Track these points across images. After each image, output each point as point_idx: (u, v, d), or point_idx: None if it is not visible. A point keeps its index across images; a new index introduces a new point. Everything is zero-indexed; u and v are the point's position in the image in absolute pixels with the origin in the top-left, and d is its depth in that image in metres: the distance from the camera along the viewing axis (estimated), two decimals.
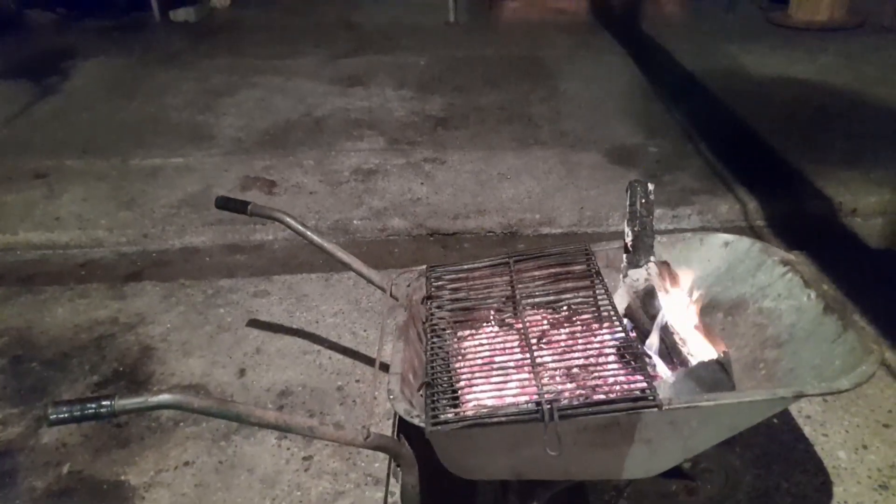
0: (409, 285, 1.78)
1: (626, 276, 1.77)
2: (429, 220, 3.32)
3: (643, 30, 6.06)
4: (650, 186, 1.86)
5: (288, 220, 1.88)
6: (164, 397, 1.24)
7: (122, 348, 2.48)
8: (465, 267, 1.82)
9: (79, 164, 3.88)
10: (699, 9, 6.71)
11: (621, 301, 1.73)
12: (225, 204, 1.99)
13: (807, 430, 2.04)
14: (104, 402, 1.20)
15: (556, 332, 1.63)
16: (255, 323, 2.60)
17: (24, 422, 2.16)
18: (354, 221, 3.32)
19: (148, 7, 6.77)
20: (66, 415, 1.21)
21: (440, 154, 3.94)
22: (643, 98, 4.63)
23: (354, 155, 3.95)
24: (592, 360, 1.50)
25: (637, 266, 1.76)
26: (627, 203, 1.83)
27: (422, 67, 5.38)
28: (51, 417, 1.20)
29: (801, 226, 3.21)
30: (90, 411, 1.21)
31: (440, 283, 1.78)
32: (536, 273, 1.76)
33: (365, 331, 2.54)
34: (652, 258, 1.76)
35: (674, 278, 1.68)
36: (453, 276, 1.79)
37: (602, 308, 1.64)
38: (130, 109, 4.65)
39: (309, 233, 1.87)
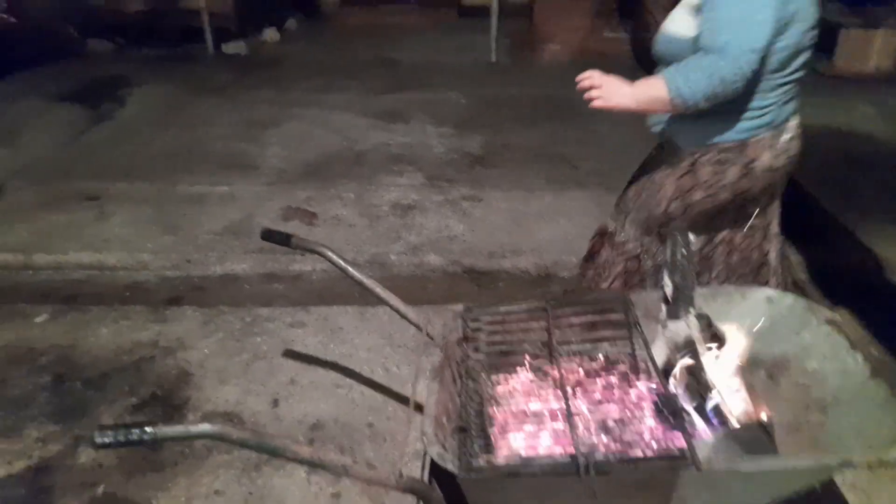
0: (445, 325, 1.79)
1: (665, 327, 1.75)
2: (464, 257, 3.35)
3: None
4: (691, 237, 1.85)
5: (329, 254, 1.92)
6: (205, 427, 1.26)
7: (161, 372, 2.54)
8: (502, 310, 1.82)
9: (128, 189, 4.02)
10: None
11: (660, 353, 1.71)
12: (269, 236, 2.04)
13: (851, 498, 1.96)
14: (147, 430, 1.23)
15: (592, 381, 1.62)
16: (290, 353, 2.64)
17: (63, 440, 2.22)
18: (391, 256, 3.36)
19: (202, 39, 7.05)
20: (110, 439, 1.25)
21: (477, 192, 3.98)
22: None
23: (393, 190, 4.01)
24: (629, 413, 1.48)
25: (676, 318, 1.74)
26: (668, 253, 1.82)
27: (462, 105, 5.48)
28: (96, 441, 1.24)
29: (845, 281, 3.14)
30: (134, 437, 1.24)
31: (476, 324, 1.78)
32: (574, 320, 1.76)
33: (398, 367, 2.55)
34: (692, 311, 1.74)
35: (714, 333, 1.66)
36: (490, 318, 1.80)
37: (640, 360, 1.63)
38: (180, 137, 4.83)
39: (349, 268, 1.90)
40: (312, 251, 1.93)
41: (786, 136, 1.91)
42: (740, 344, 1.67)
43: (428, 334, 1.82)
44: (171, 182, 4.09)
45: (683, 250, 1.81)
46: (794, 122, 1.94)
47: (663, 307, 1.79)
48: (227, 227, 3.58)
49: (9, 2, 6.49)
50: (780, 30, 1.68)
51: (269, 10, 7.81)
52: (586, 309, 1.76)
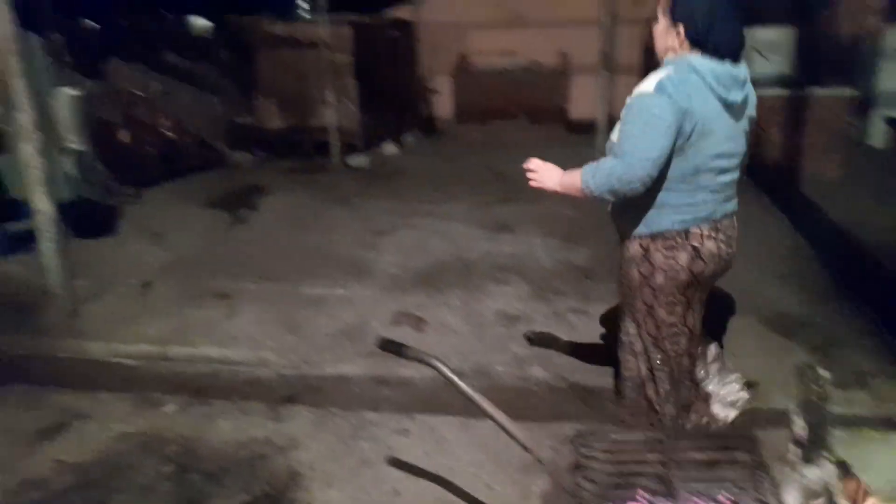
0: (556, 450, 1.76)
1: (797, 472, 1.62)
2: (570, 372, 3.28)
3: (803, 192, 5.86)
4: (824, 373, 1.74)
5: (442, 368, 1.97)
6: None
7: (273, 470, 2.63)
8: (616, 438, 1.77)
9: (257, 288, 4.36)
10: (863, 169, 6.38)
11: (792, 502, 1.57)
12: (384, 346, 2.15)
13: None
14: None
15: None
16: (394, 461, 2.66)
17: None
18: (496, 366, 3.36)
19: (330, 152, 7.76)
20: None
21: (584, 305, 3.95)
22: (805, 264, 4.39)
23: (500, 300, 4.07)
24: None
25: (811, 463, 1.61)
26: (798, 390, 1.71)
27: (568, 218, 5.56)
28: None
29: None
30: None
31: (589, 451, 1.74)
32: (694, 455, 1.67)
33: (501, 486, 2.49)
34: (829, 456, 1.60)
35: (857, 484, 1.51)
36: (603, 446, 1.75)
37: None
38: (305, 241, 5.22)
39: (461, 384, 1.93)
40: (425, 363, 2.00)
41: (726, 231, 2.22)
42: (888, 498, 1.51)
43: (537, 458, 1.79)
44: (294, 283, 4.39)
45: (816, 387, 1.71)
46: (734, 219, 2.26)
47: (795, 449, 1.67)
48: (343, 329, 3.76)
49: (172, 122, 7.53)
50: (687, 141, 2.02)
51: (390, 126, 8.52)
52: (707, 444, 1.68)
